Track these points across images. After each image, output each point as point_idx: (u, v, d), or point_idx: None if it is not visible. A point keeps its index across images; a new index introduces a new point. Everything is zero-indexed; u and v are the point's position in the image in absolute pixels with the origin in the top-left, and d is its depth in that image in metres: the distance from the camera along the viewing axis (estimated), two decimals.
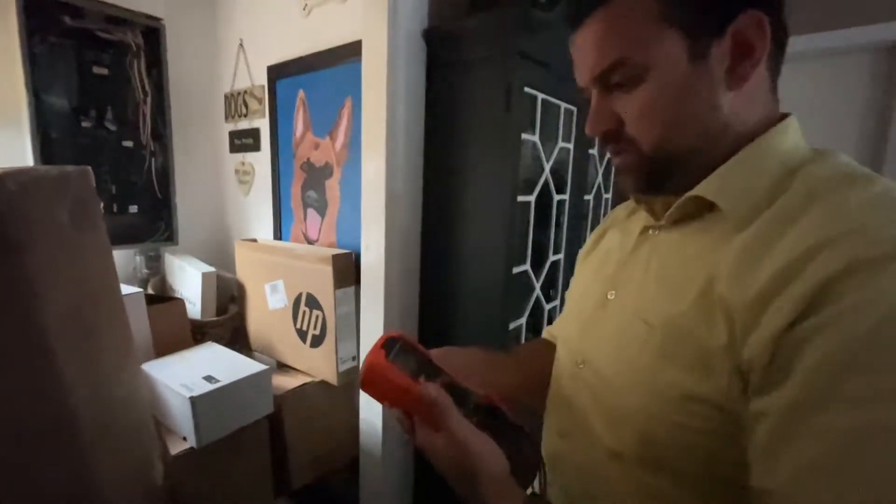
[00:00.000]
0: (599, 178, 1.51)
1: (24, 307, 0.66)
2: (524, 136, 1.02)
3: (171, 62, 1.62)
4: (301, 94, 1.40)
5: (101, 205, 0.89)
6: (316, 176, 1.40)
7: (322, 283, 1.26)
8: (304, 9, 1.38)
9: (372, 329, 1.18)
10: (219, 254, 1.82)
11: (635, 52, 0.42)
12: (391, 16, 1.01)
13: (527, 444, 0.46)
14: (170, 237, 1.70)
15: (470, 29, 0.98)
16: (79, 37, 1.43)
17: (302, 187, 1.46)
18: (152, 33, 1.58)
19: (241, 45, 1.64)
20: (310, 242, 1.48)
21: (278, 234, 1.58)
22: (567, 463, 0.55)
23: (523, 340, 1.19)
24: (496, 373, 0.65)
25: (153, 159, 1.64)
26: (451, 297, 1.12)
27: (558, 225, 1.27)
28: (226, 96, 1.75)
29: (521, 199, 1.05)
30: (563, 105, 1.19)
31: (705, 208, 0.44)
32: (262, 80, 1.57)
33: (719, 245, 0.41)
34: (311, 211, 1.45)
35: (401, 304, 1.17)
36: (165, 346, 1.34)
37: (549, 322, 1.33)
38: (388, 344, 0.49)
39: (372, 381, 0.47)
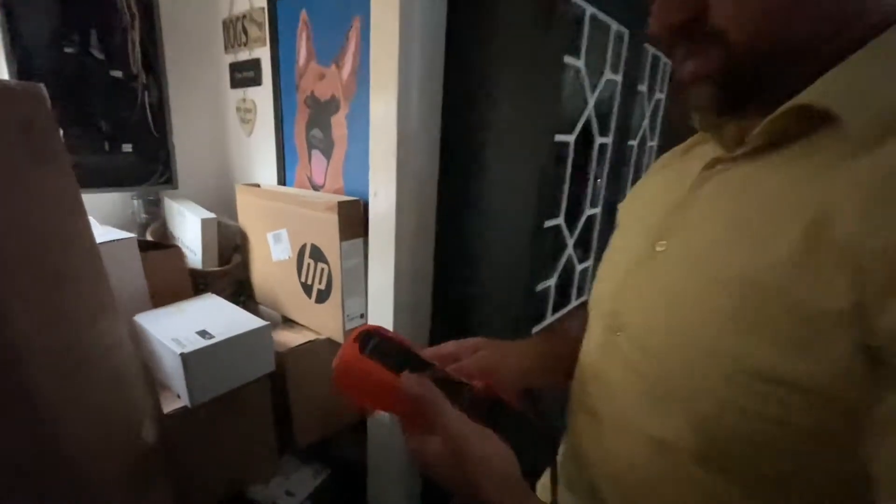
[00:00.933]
0: (646, 121, 1.31)
1: None
2: (567, 59, 0.83)
3: None
4: (303, 14, 1.21)
5: (62, 133, 0.76)
6: (321, 112, 1.24)
7: (327, 233, 1.13)
8: None
9: (381, 285, 1.06)
10: (221, 199, 1.70)
11: None
12: None
13: (539, 439, 0.39)
14: (168, 180, 1.58)
15: None
16: None
17: (306, 126, 1.30)
18: None
19: None
20: (315, 188, 1.34)
21: (282, 179, 1.45)
22: (595, 455, 0.44)
23: (551, 305, 1.06)
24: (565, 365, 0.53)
25: (146, 93, 1.49)
26: (470, 252, 0.97)
27: (597, 174, 1.10)
28: (224, 22, 1.56)
29: (558, 138, 0.87)
30: (615, 26, 0.98)
31: (810, 125, 0.32)
32: (261, 1, 1.38)
33: (835, 173, 0.29)
34: (316, 153, 1.30)
35: (413, 259, 1.03)
36: (163, 296, 1.25)
37: (580, 285, 1.19)
38: (362, 337, 0.43)
39: (345, 378, 0.41)
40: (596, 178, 1.08)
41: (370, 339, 0.42)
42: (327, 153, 1.25)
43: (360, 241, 1.16)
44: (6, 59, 1.21)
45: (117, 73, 1.41)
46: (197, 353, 0.93)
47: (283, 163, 1.43)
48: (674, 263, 0.38)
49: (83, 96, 1.36)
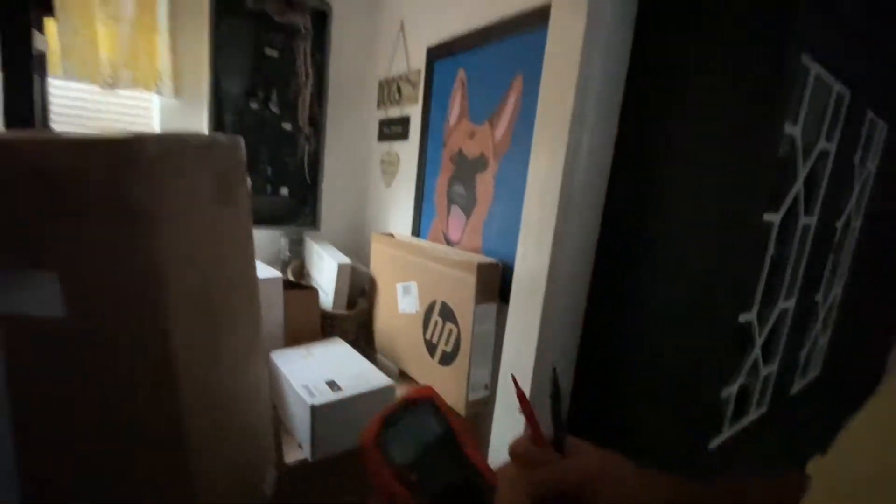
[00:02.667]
0: (853, 199, 1.06)
1: (146, 283, 0.57)
2: (787, 128, 0.69)
3: (332, 47, 1.60)
4: (461, 73, 1.23)
5: (250, 182, 0.80)
6: (466, 169, 1.22)
7: (462, 293, 1.07)
8: None
9: (515, 359, 0.95)
10: (355, 244, 1.77)
11: None
12: None
13: None
14: (313, 222, 1.69)
15: None
16: (256, 20, 1.46)
17: (449, 181, 1.29)
18: (320, 17, 1.57)
19: (401, 27, 1.55)
20: (450, 244, 1.31)
21: (417, 231, 1.45)
22: None
23: (729, 415, 0.85)
24: None
25: (307, 144, 1.63)
26: (630, 339, 0.83)
27: (797, 259, 0.90)
28: (380, 83, 1.68)
29: (766, 218, 0.72)
30: (837, 86, 0.81)
31: None
32: (419, 63, 1.45)
33: None
34: (455, 208, 1.28)
35: (559, 335, 0.92)
36: (294, 333, 1.29)
37: (763, 391, 0.95)
38: (395, 413, 0.36)
39: (363, 464, 0.33)
40: (796, 265, 0.88)
41: (402, 416, 0.35)
42: (468, 210, 1.22)
43: (494, 306, 1.08)
44: (208, 111, 1.41)
45: (287, 126, 1.58)
46: (326, 407, 0.90)
47: (419, 215, 1.43)
48: None
49: (258, 144, 1.54)
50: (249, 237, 0.80)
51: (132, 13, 1.22)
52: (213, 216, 0.68)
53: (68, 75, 1.15)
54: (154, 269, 0.56)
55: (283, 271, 1.60)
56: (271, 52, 1.50)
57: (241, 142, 0.74)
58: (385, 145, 1.65)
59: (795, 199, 0.81)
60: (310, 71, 1.58)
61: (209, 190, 0.67)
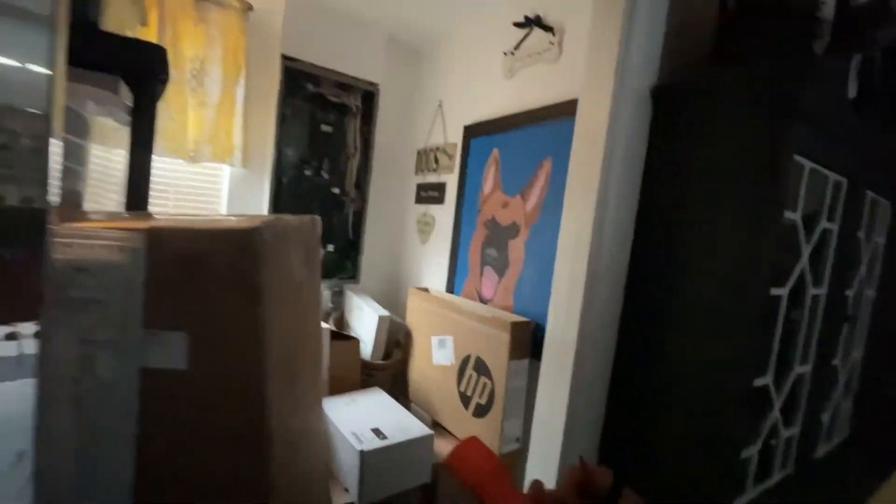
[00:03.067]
0: (863, 268, 1.14)
1: (251, 345, 0.69)
2: (785, 214, 0.80)
3: (378, 121, 1.81)
4: (495, 152, 1.39)
5: (322, 252, 0.94)
6: (499, 234, 1.35)
7: (496, 349, 1.17)
8: (509, 70, 1.39)
9: (547, 412, 1.03)
10: (391, 297, 1.90)
11: None
12: (618, 72, 0.92)
13: None
14: (353, 276, 1.84)
15: (724, 82, 0.83)
16: (314, 100, 1.68)
17: (483, 244, 1.42)
18: (369, 96, 1.79)
19: (439, 105, 1.75)
20: (483, 301, 1.42)
21: (451, 287, 1.57)
22: None
23: (752, 475, 0.90)
24: None
25: (352, 205, 1.81)
26: (655, 399, 0.91)
27: (809, 327, 0.97)
28: (419, 152, 1.87)
29: (774, 292, 0.81)
30: (833, 176, 0.93)
31: None
32: (455, 137, 1.63)
33: None
34: (488, 269, 1.40)
35: (588, 390, 1.00)
36: (337, 382, 1.39)
37: (786, 453, 1.00)
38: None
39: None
40: (808, 333, 0.96)
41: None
42: (500, 271, 1.34)
43: (526, 362, 1.17)
44: (269, 179, 1.61)
45: (336, 190, 1.76)
46: (374, 453, 0.99)
47: (453, 273, 1.56)
48: None
49: (311, 207, 1.72)
50: (320, 296, 0.93)
51: (217, 99, 1.44)
52: (298, 282, 0.81)
53: (161, 153, 1.35)
54: (258, 334, 0.69)
55: (326, 320, 1.73)
56: (326, 128, 1.71)
57: (319, 221, 0.89)
58: (422, 207, 1.82)
59: (802, 273, 0.90)
60: (358, 143, 1.78)
61: (298, 262, 0.81)
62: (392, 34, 1.80)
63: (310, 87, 1.67)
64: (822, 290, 0.98)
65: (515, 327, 1.13)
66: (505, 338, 1.14)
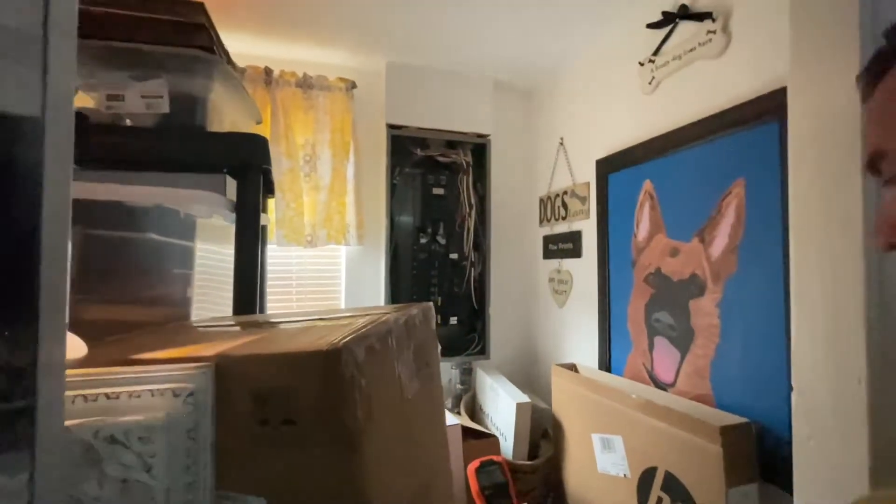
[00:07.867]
0: None
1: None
2: None
3: (491, 173, 1.63)
4: (647, 184, 1.08)
5: (439, 346, 0.73)
6: (672, 292, 1.00)
7: (700, 466, 0.80)
8: (649, 83, 1.10)
9: None
10: (527, 373, 1.61)
11: None
12: (863, 22, 0.58)
13: None
14: (482, 350, 1.60)
15: None
16: (423, 164, 1.57)
17: (646, 306, 1.08)
18: (479, 149, 1.63)
19: (560, 143, 1.51)
20: (659, 386, 1.05)
21: (606, 364, 1.23)
22: None
23: None
24: None
25: (472, 269, 1.61)
26: None
27: None
28: (541, 199, 1.63)
29: None
30: None
31: None
32: (585, 177, 1.36)
33: None
34: (660, 340, 1.04)
35: None
36: None
37: None
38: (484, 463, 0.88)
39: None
40: None
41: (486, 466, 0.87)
42: (681, 345, 0.98)
43: (754, 487, 0.77)
44: (385, 250, 1.50)
45: (454, 255, 1.59)
46: None
47: (607, 345, 1.22)
48: None
49: (428, 275, 1.57)
50: (443, 415, 0.71)
51: (328, 181, 1.40)
52: (412, 401, 0.60)
53: (281, 242, 1.33)
54: (359, 492, 0.47)
55: (456, 405, 1.50)
56: (438, 191, 1.58)
57: (432, 308, 0.69)
58: (553, 263, 1.54)
59: None
60: (472, 201, 1.61)
61: (408, 374, 0.60)
62: (497, 80, 1.64)
63: (417, 151, 1.57)
64: None
65: (729, 433, 0.76)
66: (714, 450, 0.76)
